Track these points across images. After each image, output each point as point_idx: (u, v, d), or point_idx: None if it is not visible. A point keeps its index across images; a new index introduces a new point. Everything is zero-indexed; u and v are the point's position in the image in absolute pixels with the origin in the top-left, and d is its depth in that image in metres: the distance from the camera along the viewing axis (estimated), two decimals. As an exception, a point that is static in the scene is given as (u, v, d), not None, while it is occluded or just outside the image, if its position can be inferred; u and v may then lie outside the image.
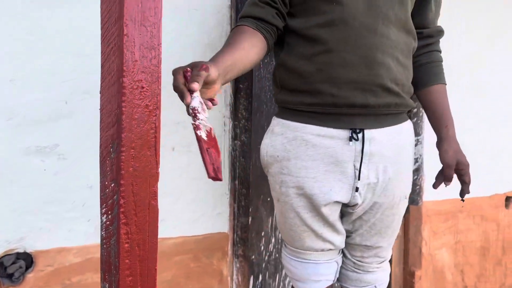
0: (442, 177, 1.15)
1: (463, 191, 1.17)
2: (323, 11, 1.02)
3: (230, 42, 0.95)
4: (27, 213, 1.21)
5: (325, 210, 1.07)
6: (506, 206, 2.59)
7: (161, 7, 0.65)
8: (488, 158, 2.38)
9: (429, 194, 2.13)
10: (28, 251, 1.21)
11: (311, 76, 1.04)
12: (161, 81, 0.65)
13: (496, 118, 2.43)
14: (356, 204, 1.09)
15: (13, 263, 1.19)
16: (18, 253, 1.20)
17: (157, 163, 0.66)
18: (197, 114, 0.75)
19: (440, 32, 1.20)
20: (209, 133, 0.74)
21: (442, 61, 1.22)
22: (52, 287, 1.24)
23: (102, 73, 0.68)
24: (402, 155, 1.12)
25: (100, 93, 0.68)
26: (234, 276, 1.65)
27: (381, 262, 1.19)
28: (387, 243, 1.17)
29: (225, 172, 1.59)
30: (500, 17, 2.34)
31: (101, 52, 0.68)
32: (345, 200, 1.08)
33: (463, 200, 1.20)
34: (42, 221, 1.22)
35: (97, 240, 1.31)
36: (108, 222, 0.66)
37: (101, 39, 0.68)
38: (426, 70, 1.18)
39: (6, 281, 1.18)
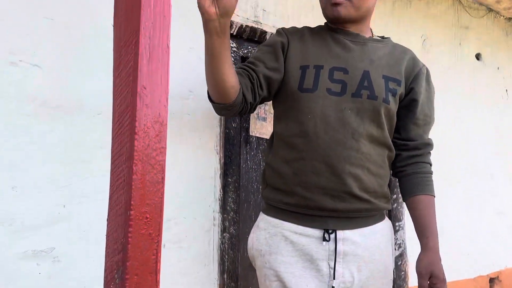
0: None
1: None
2: (300, 121, 1.14)
3: None
4: (18, 318, 1.21)
5: None
6: (491, 287, 2.63)
7: (166, 146, 0.75)
8: (469, 242, 2.47)
9: (414, 280, 2.17)
10: None
11: (289, 178, 1.14)
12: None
13: (474, 203, 2.56)
14: None
15: None
16: None
17: (157, 282, 0.73)
18: None
19: (427, 145, 1.26)
20: None
21: (430, 173, 1.25)
22: None
23: (110, 203, 0.76)
24: (376, 255, 1.16)
25: (107, 220, 0.76)
26: None
27: None
28: None
29: (214, 267, 1.62)
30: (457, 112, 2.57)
31: (110, 184, 0.77)
32: None
33: None
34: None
35: None
36: None
37: (110, 172, 0.77)
38: (411, 180, 1.23)
39: None
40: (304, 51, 1.19)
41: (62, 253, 1.30)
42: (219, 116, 1.68)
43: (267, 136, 2.08)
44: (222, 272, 1.66)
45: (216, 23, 0.92)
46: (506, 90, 2.88)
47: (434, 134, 2.44)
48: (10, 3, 1.29)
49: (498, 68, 2.86)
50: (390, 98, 1.16)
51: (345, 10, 1.15)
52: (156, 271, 0.72)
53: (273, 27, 1.83)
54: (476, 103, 2.67)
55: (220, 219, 1.67)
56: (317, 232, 1.14)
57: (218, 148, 1.67)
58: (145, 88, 0.72)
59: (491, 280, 2.63)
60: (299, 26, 1.71)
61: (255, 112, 2.03)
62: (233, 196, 1.76)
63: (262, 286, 1.20)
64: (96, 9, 1.42)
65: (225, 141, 1.72)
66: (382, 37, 1.28)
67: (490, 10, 2.85)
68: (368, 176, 1.15)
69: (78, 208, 1.34)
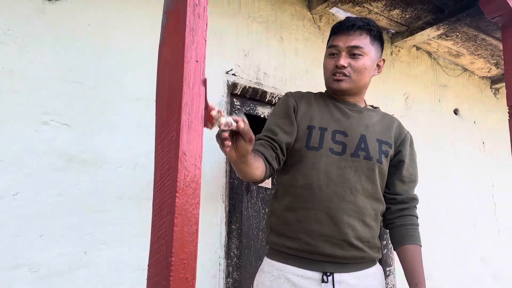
0: None
1: None
2: (305, 175, 1.30)
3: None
4: None
5: None
6: (478, 332, 2.73)
7: (199, 202, 0.89)
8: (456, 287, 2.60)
9: (405, 324, 2.27)
10: None
11: (293, 225, 1.29)
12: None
13: (459, 251, 2.71)
14: None
15: None
16: None
17: (191, 321, 0.85)
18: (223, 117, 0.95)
19: (413, 199, 1.41)
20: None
21: (417, 225, 1.39)
22: None
23: (151, 251, 0.89)
24: None
25: (148, 266, 0.89)
26: None
27: None
28: None
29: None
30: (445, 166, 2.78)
31: (152, 234, 0.90)
32: None
33: None
34: None
35: None
36: None
37: (152, 224, 0.90)
38: (399, 232, 1.38)
39: None
40: (310, 113, 1.36)
41: (82, 298, 1.39)
42: (224, 168, 1.84)
43: (266, 185, 2.24)
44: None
45: (237, 159, 1.08)
46: (483, 142, 3.12)
47: (419, 187, 2.63)
48: (44, 70, 1.46)
49: (474, 122, 3.12)
50: (383, 158, 1.34)
51: (345, 84, 1.34)
52: (191, 311, 0.85)
53: (273, 87, 2.04)
54: (457, 156, 2.89)
55: (225, 264, 1.78)
56: (317, 275, 1.27)
57: (224, 197, 1.81)
58: (185, 154, 0.88)
59: (479, 325, 2.74)
60: (295, 88, 1.92)
61: (256, 163, 2.19)
62: (236, 243, 1.88)
63: None
64: (118, 75, 1.61)
65: (229, 190, 1.87)
66: (373, 107, 1.48)
67: (465, 69, 3.14)
68: (363, 227, 1.30)
69: (98, 254, 1.45)
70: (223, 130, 0.97)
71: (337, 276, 1.27)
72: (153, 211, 0.92)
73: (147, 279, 0.89)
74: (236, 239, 1.89)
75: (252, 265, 2.08)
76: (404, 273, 1.35)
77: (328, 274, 1.27)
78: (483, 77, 3.28)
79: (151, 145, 1.61)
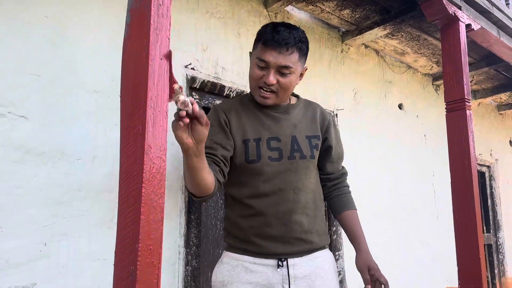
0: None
1: None
2: (251, 186, 1.41)
3: None
4: None
5: None
6: (418, 309, 2.97)
7: (165, 191, 0.95)
8: (398, 268, 2.81)
9: (353, 303, 2.44)
10: None
11: (246, 230, 1.41)
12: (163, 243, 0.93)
13: (401, 235, 2.93)
14: None
15: None
16: None
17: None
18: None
19: (343, 174, 1.60)
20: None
21: (349, 192, 1.58)
22: None
23: (118, 238, 0.94)
24: (322, 273, 1.43)
25: (115, 252, 0.94)
26: None
27: None
28: None
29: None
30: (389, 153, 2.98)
31: (118, 222, 0.95)
32: None
33: None
34: None
35: None
36: None
37: (118, 213, 0.95)
38: (337, 201, 1.56)
39: None
40: (242, 126, 1.43)
41: (42, 289, 1.41)
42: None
43: (224, 177, 2.31)
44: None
45: (194, 149, 1.09)
46: (425, 135, 3.37)
47: (366, 175, 2.81)
48: (0, 62, 1.44)
49: (417, 116, 3.35)
50: (315, 153, 1.47)
51: (271, 101, 1.42)
52: (157, 291, 0.91)
53: (231, 82, 2.11)
54: (400, 146, 3.10)
55: (184, 253, 1.84)
56: (272, 261, 1.39)
57: (183, 188, 1.87)
58: (150, 147, 0.94)
59: (419, 302, 2.98)
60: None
61: (214, 155, 2.25)
62: (195, 232, 1.94)
63: None
64: (75, 67, 1.61)
65: (188, 182, 1.92)
66: (294, 95, 1.57)
67: (409, 67, 3.36)
68: (309, 219, 1.43)
69: (58, 245, 1.46)
70: (180, 109, 1.01)
71: (290, 260, 1.40)
72: (120, 200, 0.97)
73: (115, 265, 0.94)
74: (195, 228, 1.95)
75: (211, 253, 2.15)
76: (347, 235, 1.53)
77: (282, 259, 1.39)
78: (425, 74, 3.53)
79: (109, 138, 1.64)
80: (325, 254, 1.49)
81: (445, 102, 2.22)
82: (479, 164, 4.00)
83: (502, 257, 4.03)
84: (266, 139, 1.43)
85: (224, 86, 2.08)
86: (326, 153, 1.54)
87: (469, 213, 2.11)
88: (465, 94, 2.16)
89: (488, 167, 4.16)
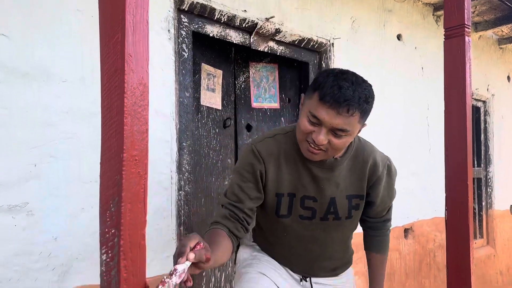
0: None
1: None
2: (276, 235, 1.41)
3: (213, 243, 1.12)
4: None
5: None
6: (405, 237, 3.09)
7: (148, 103, 0.93)
8: (387, 197, 2.87)
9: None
10: (-2, 301, 1.33)
11: (272, 251, 1.45)
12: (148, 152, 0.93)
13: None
14: None
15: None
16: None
17: (145, 213, 0.92)
18: (173, 276, 0.87)
19: (385, 220, 1.49)
20: None
21: (386, 236, 1.51)
22: (19, 334, 1.36)
23: (102, 149, 0.93)
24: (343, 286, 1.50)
25: (100, 163, 0.93)
26: (182, 313, 1.85)
27: None
28: None
29: (172, 220, 1.82)
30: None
31: (102, 134, 0.94)
32: None
33: None
34: (12, 272, 1.36)
35: (60, 286, 1.46)
36: (108, 259, 0.89)
37: (102, 124, 0.93)
38: (370, 239, 1.52)
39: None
40: (279, 179, 1.31)
41: (35, 208, 1.43)
42: (173, 86, 1.85)
43: (217, 106, 2.29)
44: (179, 224, 1.86)
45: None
46: (422, 67, 3.30)
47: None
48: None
49: (415, 48, 3.26)
50: (353, 213, 1.37)
51: (319, 157, 1.23)
52: (144, 202, 0.92)
53: (222, 5, 2.01)
54: (397, 78, 3.05)
55: (176, 178, 1.86)
56: (296, 276, 1.45)
57: (174, 115, 1.85)
58: (131, 56, 0.90)
59: (406, 231, 3.09)
60: (245, 4, 1.90)
61: (205, 83, 2.22)
62: (188, 159, 1.95)
63: (239, 275, 1.42)
64: (57, -18, 1.52)
65: (179, 108, 1.90)
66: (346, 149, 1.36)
67: (410, -5, 3.22)
68: (335, 262, 1.47)
69: (48, 167, 1.47)
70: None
71: (314, 279, 1.46)
72: (102, 112, 0.95)
73: (100, 176, 0.94)
74: (187, 155, 1.96)
75: (204, 180, 2.19)
76: (368, 274, 1.54)
77: (306, 277, 1.45)
78: (426, 4, 3.38)
79: (95, 59, 1.58)
80: (348, 271, 1.55)
81: (444, 28, 2.14)
82: (475, 99, 3.97)
83: (490, 190, 4.13)
84: (301, 197, 1.32)
85: (214, 9, 1.98)
86: (369, 204, 1.42)
87: (461, 143, 2.12)
88: (465, 20, 2.06)
89: (484, 102, 4.13)
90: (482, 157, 4.12)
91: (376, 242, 1.51)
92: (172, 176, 1.83)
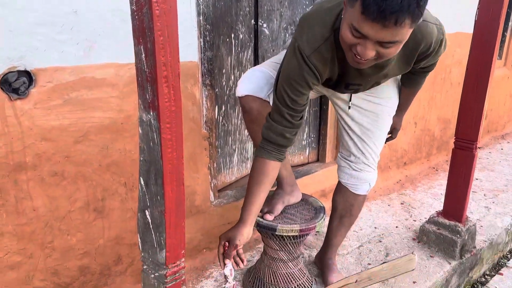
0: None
1: (391, 137, 1.87)
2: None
3: (254, 193, 1.43)
4: (23, 34, 1.33)
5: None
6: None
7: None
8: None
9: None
10: (28, 69, 1.36)
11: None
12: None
13: None
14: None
15: (17, 79, 1.35)
16: (19, 71, 1.35)
17: None
18: (227, 279, 1.35)
19: (427, 72, 1.55)
20: None
21: (422, 78, 1.60)
22: (54, 101, 1.43)
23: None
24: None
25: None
26: (204, 101, 1.93)
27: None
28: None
29: (191, 8, 1.74)
30: None
31: None
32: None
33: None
34: (37, 41, 1.36)
35: (88, 62, 1.48)
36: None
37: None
38: (406, 76, 1.59)
39: (13, 95, 1.35)
40: (329, 73, 1.37)
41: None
42: None
43: None
44: (198, 14, 1.79)
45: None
46: None
47: None
48: None
49: None
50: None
51: (366, 66, 1.22)
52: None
53: None
54: None
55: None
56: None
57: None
58: None
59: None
60: None
61: None
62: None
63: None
64: None
65: None
66: None
67: None
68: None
69: None
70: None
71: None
72: None
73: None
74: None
75: None
76: (399, 101, 1.70)
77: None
78: None
79: None
80: (392, 95, 1.67)
81: None
82: None
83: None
84: (346, 82, 1.43)
85: None
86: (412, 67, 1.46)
87: None
88: None
89: None
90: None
91: (411, 80, 1.60)
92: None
